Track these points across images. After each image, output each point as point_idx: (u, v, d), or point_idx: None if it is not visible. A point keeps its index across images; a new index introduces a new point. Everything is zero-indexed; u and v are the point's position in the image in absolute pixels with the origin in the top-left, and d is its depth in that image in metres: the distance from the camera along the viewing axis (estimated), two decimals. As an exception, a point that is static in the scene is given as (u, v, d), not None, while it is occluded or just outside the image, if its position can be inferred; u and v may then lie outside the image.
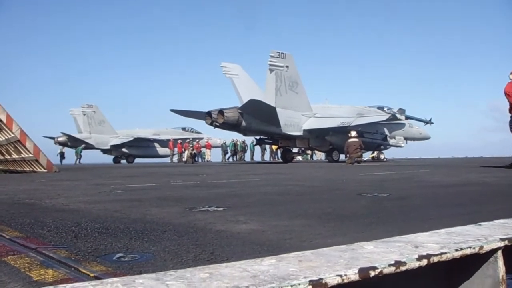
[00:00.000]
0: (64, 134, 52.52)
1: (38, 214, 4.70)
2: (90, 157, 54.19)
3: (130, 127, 57.37)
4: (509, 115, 14.90)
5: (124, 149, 52.56)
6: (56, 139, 52.98)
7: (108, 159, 54.99)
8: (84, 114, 52.18)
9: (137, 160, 54.03)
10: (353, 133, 27.38)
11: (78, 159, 51.71)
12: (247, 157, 54.14)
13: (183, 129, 56.45)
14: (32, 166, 19.04)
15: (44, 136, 54.83)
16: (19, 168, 20.71)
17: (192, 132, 56.13)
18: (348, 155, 26.59)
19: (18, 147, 18.48)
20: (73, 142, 52.25)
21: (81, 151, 51.50)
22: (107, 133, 52.65)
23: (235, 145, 52.48)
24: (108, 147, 52.46)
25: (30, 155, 18.00)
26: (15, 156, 19.90)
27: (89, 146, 51.77)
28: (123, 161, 53.27)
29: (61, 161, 53.01)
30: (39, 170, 18.38)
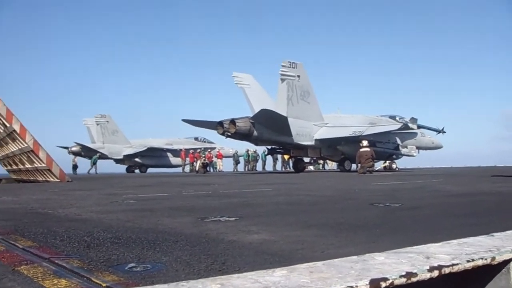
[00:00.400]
0: (78, 144, 52.78)
1: (51, 223, 4.73)
2: (103, 167, 54.31)
3: (143, 136, 57.59)
4: None
5: (137, 159, 52.67)
6: (69, 149, 53.22)
7: (121, 168, 55.17)
8: (98, 124, 52.43)
9: (150, 169, 54.13)
10: (365, 143, 27.28)
11: (94, 168, 51.78)
12: (259, 167, 54.09)
13: (196, 139, 56.52)
14: (45, 175, 19.16)
15: (58, 146, 55.19)
16: (32, 178, 20.85)
17: (205, 142, 56.15)
18: (360, 165, 26.50)
19: (31, 156, 18.62)
20: (86, 152, 52.43)
21: (96, 161, 51.60)
22: (120, 143, 52.80)
23: (248, 155, 52.45)
24: (121, 157, 52.58)
25: (43, 164, 18.13)
26: (28, 165, 20.05)
27: (103, 156, 51.85)
28: (136, 171, 53.36)
29: (74, 171, 53.23)
30: (52, 179, 18.49)
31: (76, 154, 53.34)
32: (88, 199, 8.28)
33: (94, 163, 50.87)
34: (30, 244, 3.47)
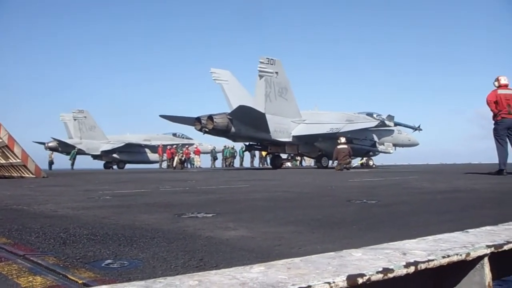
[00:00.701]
0: (55, 139, 52.28)
1: (26, 220, 4.67)
2: (80, 162, 53.92)
3: (121, 132, 57.24)
4: (493, 122, 15.09)
5: (115, 155, 52.34)
6: (46, 144, 52.73)
7: (99, 164, 54.77)
8: (75, 119, 51.97)
9: (127, 166, 53.84)
10: (343, 139, 27.48)
11: (72, 163, 51.25)
12: (236, 163, 54.14)
13: (174, 135, 56.39)
14: (20, 171, 18.94)
15: (34, 142, 54.61)
16: (6, 174, 20.57)
17: (183, 138, 56.06)
18: (337, 161, 26.67)
19: (6, 152, 18.38)
20: (63, 147, 51.99)
21: (75, 155, 51.05)
22: (98, 139, 52.40)
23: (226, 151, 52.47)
24: (98, 153, 52.19)
25: (18, 160, 17.91)
26: (2, 161, 19.77)
27: (80, 152, 51.43)
28: (114, 167, 53.03)
29: (50, 167, 52.67)
30: (27, 175, 18.28)
31: (53, 149, 52.89)
32: (64, 195, 8.20)
33: (73, 158, 50.45)
34: (4, 241, 3.43)
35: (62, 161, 54.30)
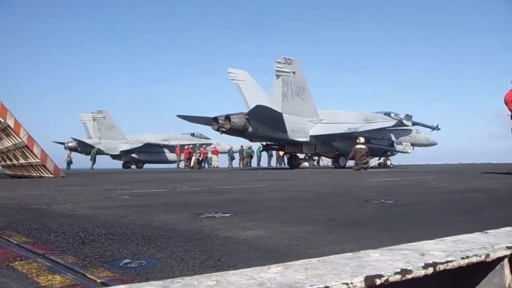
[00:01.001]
0: (74, 139, 52.60)
1: (45, 219, 4.72)
2: (99, 162, 54.02)
3: (140, 132, 57.45)
4: (511, 122, 14.91)
5: (133, 155, 52.49)
6: (66, 144, 53.07)
7: (118, 164, 55.01)
8: (94, 120, 52.23)
9: (146, 165, 54.01)
10: (362, 139, 27.34)
11: (93, 163, 51.41)
12: (254, 163, 54.12)
13: (192, 134, 56.44)
14: (39, 171, 19.12)
15: (54, 142, 55.03)
16: (26, 173, 20.79)
17: (201, 137, 56.10)
18: (355, 161, 26.56)
19: (26, 152, 18.57)
20: (83, 147, 52.29)
21: (95, 155, 51.21)
22: (117, 139, 52.61)
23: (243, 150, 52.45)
24: (117, 153, 52.40)
25: (37, 160, 18.08)
26: (22, 161, 19.99)
27: (99, 152, 51.65)
28: (133, 167, 53.22)
29: (68, 167, 53.03)
30: (46, 175, 18.45)
31: (72, 149, 53.20)
32: (83, 195, 8.27)
33: (94, 158, 50.68)
34: (24, 240, 3.47)
35: (81, 161, 54.66)
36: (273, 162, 51.16)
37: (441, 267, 1.77)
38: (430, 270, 1.73)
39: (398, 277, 1.63)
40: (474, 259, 1.89)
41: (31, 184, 13.32)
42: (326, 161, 52.20)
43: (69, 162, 54.09)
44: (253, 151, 52.73)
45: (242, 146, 51.73)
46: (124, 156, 52.95)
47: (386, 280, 1.59)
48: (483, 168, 24.19)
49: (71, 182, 14.49)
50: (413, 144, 38.61)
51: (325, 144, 33.00)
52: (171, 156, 53.88)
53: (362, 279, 1.54)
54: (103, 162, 54.59)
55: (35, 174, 19.69)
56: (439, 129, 38.01)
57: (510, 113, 14.84)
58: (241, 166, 52.44)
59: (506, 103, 14.81)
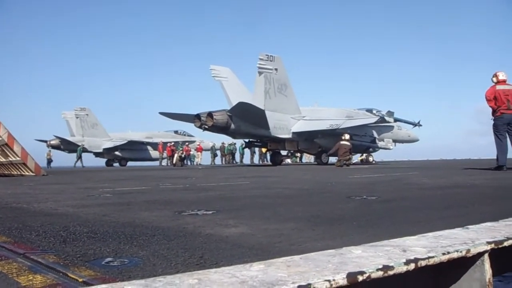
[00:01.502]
0: (57, 137, 52.22)
1: (26, 218, 4.67)
2: (82, 160, 53.83)
3: (123, 130, 57.21)
4: (492, 118, 15.09)
5: (117, 152, 52.27)
6: (48, 142, 52.65)
7: (101, 162, 54.73)
8: (77, 117, 51.90)
9: (129, 163, 53.81)
10: (347, 136, 27.50)
11: (80, 161, 50.99)
12: (236, 160, 54.11)
13: (176, 132, 56.30)
14: (20, 169, 18.95)
15: (36, 140, 54.55)
16: (6, 172, 20.60)
17: (185, 135, 55.99)
18: (337, 158, 26.67)
19: (6, 150, 18.39)
20: (66, 145, 51.94)
21: (81, 153, 50.78)
22: (100, 136, 52.32)
23: (224, 147, 52.46)
24: (100, 150, 52.13)
25: (18, 158, 17.92)
26: (2, 159, 19.80)
27: (83, 149, 51.34)
28: (116, 164, 52.97)
29: (48, 165, 52.58)
30: (27, 173, 18.31)
31: (55, 147, 52.80)
32: (64, 193, 8.20)
33: (80, 156, 50.33)
34: (4, 239, 3.43)
35: (61, 159, 54.28)
36: (256, 159, 51.24)
37: (423, 263, 1.78)
38: (412, 266, 1.74)
39: (380, 273, 1.64)
40: (455, 255, 1.90)
41: (12, 183, 13.19)
42: (308, 158, 52.33)
43: (50, 160, 53.67)
44: (235, 148, 52.76)
45: (223, 143, 51.76)
46: (107, 153, 52.72)
47: (368, 277, 1.60)
48: (464, 164, 24.45)
49: (53, 180, 14.38)
50: (395, 141, 38.87)
51: (307, 140, 33.11)
52: (154, 153, 53.74)
53: (344, 276, 1.54)
54: (86, 160, 54.25)
55: (15, 173, 19.51)
56: (420, 125, 38.33)
57: (491, 110, 15.02)
58: (223, 163, 52.43)
59: (487, 100, 14.99)
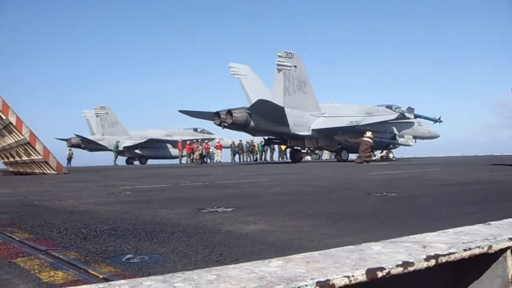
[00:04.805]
0: (77, 135, 52.52)
1: (48, 216, 4.72)
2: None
3: (143, 128, 57.40)
4: None
5: (137, 150, 52.39)
6: (69, 141, 53.00)
7: (121, 160, 54.95)
8: (97, 116, 52.12)
9: (149, 161, 53.99)
10: (369, 134, 27.30)
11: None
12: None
13: (195, 130, 56.33)
14: (41, 168, 19.13)
15: (57, 138, 54.95)
16: (28, 170, 20.82)
17: (204, 133, 56.00)
18: (358, 154, 26.55)
19: (28, 149, 18.57)
20: (86, 144, 52.20)
21: (117, 148, 50.79)
22: (120, 135, 52.49)
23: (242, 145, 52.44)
24: (121, 149, 52.35)
25: (40, 157, 18.08)
26: (25, 158, 20.00)
27: (102, 148, 51.52)
28: (136, 162, 53.17)
29: (68, 163, 52.96)
30: (49, 171, 18.46)
31: (75, 146, 53.08)
32: (85, 191, 8.28)
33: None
34: (26, 236, 3.47)
35: (82, 157, 54.61)
36: (275, 156, 51.17)
37: (443, 259, 1.76)
38: (432, 262, 1.72)
39: (400, 269, 1.62)
40: (477, 251, 1.88)
41: (34, 181, 13.35)
42: (328, 155, 52.12)
43: (69, 159, 54.04)
44: (254, 146, 52.70)
45: (240, 141, 51.73)
46: (127, 152, 52.85)
47: (388, 273, 1.59)
48: (486, 160, 24.17)
49: (74, 178, 14.51)
50: (415, 137, 38.51)
51: (327, 137, 32.95)
52: (174, 151, 53.75)
53: (364, 272, 1.53)
54: (106, 159, 54.57)
55: (37, 171, 19.70)
56: (441, 121, 37.95)
57: None
58: (242, 160, 52.44)
59: None
